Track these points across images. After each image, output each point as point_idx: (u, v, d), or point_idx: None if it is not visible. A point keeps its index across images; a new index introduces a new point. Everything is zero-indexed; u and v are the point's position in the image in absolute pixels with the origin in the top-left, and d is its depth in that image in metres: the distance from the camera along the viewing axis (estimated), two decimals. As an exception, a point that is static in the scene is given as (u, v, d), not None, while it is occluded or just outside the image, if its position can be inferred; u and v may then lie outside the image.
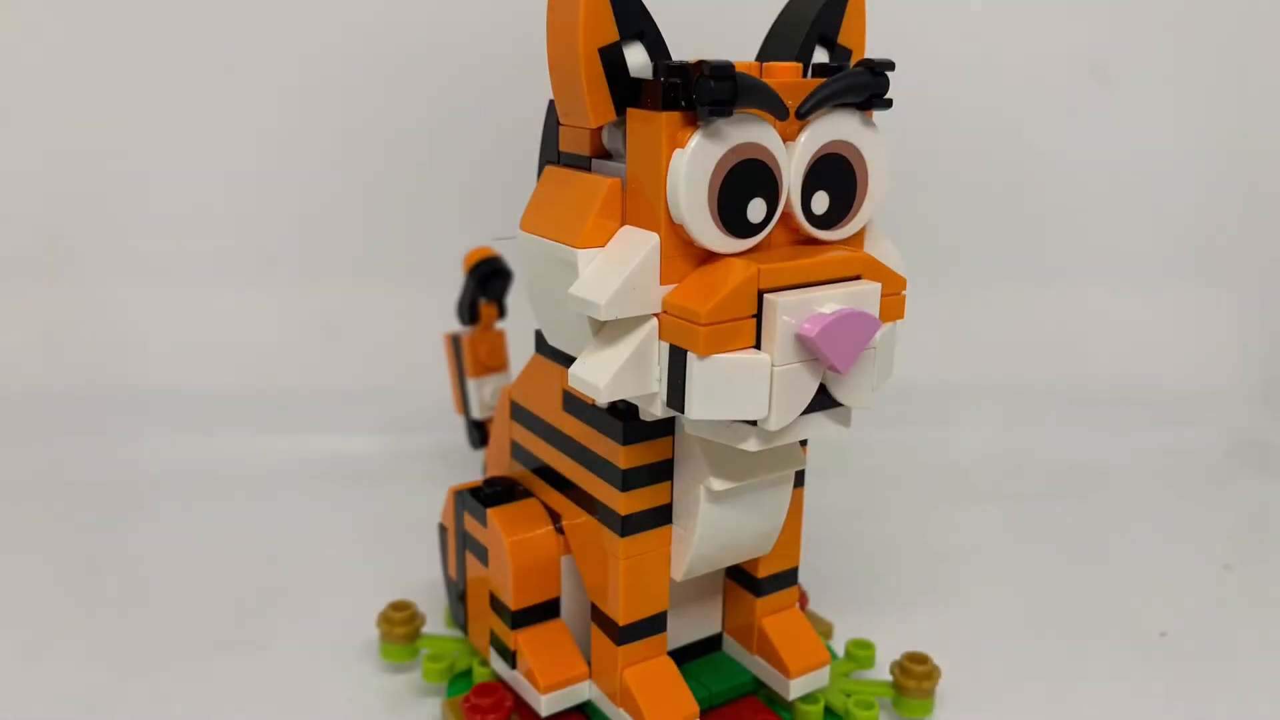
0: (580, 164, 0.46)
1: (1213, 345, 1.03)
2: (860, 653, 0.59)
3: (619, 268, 0.41)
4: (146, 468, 0.85)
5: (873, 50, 0.47)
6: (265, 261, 0.98)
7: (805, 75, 0.45)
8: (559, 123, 0.47)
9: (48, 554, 0.72)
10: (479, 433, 0.72)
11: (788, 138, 0.43)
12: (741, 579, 0.55)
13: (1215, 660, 0.62)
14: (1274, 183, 1.02)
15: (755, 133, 0.41)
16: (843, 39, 0.47)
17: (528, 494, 0.55)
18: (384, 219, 0.98)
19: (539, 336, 0.52)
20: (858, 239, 0.47)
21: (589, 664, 0.53)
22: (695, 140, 0.40)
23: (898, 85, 0.45)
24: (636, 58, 0.42)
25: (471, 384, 0.71)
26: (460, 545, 0.57)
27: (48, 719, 0.56)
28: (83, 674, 0.59)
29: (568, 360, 0.46)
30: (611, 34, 0.41)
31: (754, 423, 0.42)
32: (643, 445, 0.47)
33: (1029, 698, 0.59)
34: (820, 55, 0.47)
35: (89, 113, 0.95)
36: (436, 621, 0.64)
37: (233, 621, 0.64)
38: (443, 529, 0.60)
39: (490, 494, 0.55)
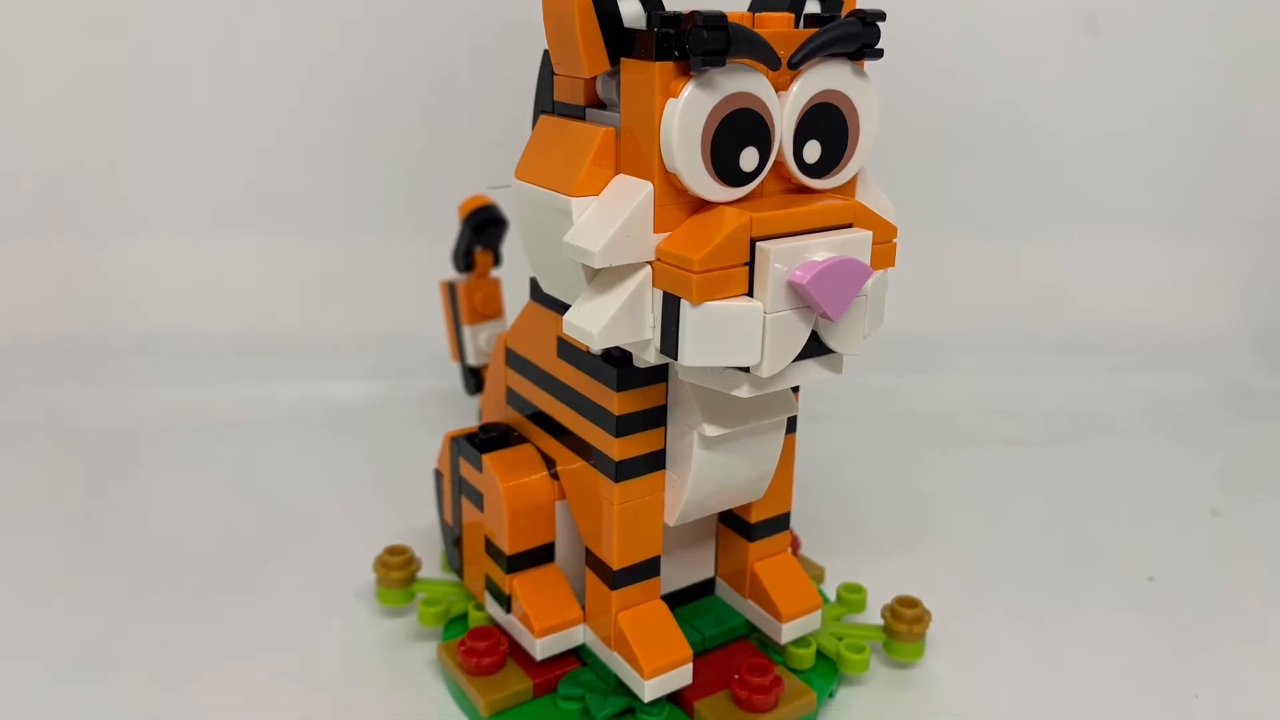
0: (575, 113, 0.46)
1: (1202, 292, 1.03)
2: (851, 597, 0.59)
3: (613, 216, 0.41)
4: (145, 414, 0.85)
5: (864, 0, 0.47)
6: (263, 210, 0.98)
7: (797, 25, 0.45)
8: (554, 72, 0.47)
9: (47, 500, 0.73)
10: (474, 379, 0.72)
11: (780, 87, 0.43)
12: (734, 524, 0.55)
13: (1202, 606, 0.63)
14: (1264, 132, 1.02)
15: (748, 82, 0.41)
16: (835, -11, 0.47)
17: (523, 440, 0.55)
18: (380, 167, 0.98)
19: (534, 284, 0.52)
20: (849, 187, 0.47)
21: (583, 608, 0.53)
22: (688, 90, 0.40)
23: (889, 36, 0.45)
24: (630, 8, 0.42)
25: (467, 331, 0.71)
26: (456, 490, 0.58)
27: (47, 664, 0.56)
28: (81, 619, 0.60)
29: (562, 307, 0.46)
30: (605, -16, 0.41)
31: (746, 369, 0.42)
32: (636, 391, 0.47)
33: (1018, 641, 0.59)
34: (812, 5, 0.47)
35: (91, 66, 0.95)
36: (432, 566, 0.64)
37: (230, 566, 0.65)
38: (438, 474, 0.60)
39: (486, 439, 0.55)
